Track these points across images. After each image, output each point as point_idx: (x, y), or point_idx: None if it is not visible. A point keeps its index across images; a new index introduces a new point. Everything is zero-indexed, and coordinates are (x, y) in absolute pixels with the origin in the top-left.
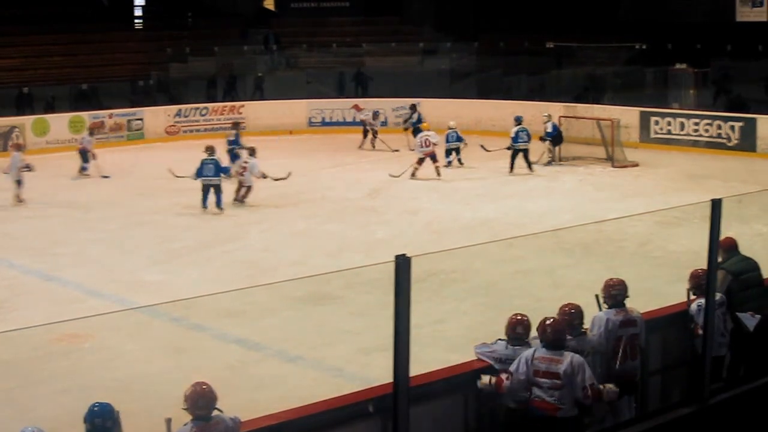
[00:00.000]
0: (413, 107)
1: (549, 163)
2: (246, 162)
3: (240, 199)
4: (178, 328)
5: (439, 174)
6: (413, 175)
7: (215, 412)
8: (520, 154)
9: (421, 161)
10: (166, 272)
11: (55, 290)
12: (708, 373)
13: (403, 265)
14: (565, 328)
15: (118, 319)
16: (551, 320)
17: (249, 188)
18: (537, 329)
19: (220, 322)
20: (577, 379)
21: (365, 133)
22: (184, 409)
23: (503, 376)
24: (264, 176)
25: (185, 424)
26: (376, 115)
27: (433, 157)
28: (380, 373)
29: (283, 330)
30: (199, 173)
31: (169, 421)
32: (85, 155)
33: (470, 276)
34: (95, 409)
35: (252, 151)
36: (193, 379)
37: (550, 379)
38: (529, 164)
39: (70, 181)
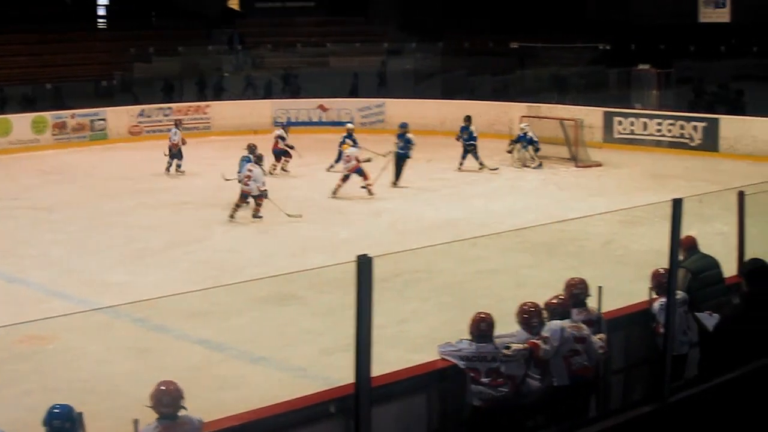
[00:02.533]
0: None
1: (539, 166)
2: (251, 170)
3: (255, 215)
4: (142, 328)
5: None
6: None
7: (182, 412)
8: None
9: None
10: (130, 273)
11: (18, 291)
12: (668, 371)
13: (364, 265)
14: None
15: (82, 320)
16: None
17: (258, 198)
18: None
19: (183, 323)
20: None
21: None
22: (150, 407)
23: (537, 341)
24: (264, 192)
25: (149, 424)
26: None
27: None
28: (344, 373)
29: (247, 330)
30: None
31: (136, 422)
32: (176, 152)
33: (434, 276)
34: (54, 411)
35: (259, 159)
36: (157, 380)
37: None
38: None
39: (37, 180)
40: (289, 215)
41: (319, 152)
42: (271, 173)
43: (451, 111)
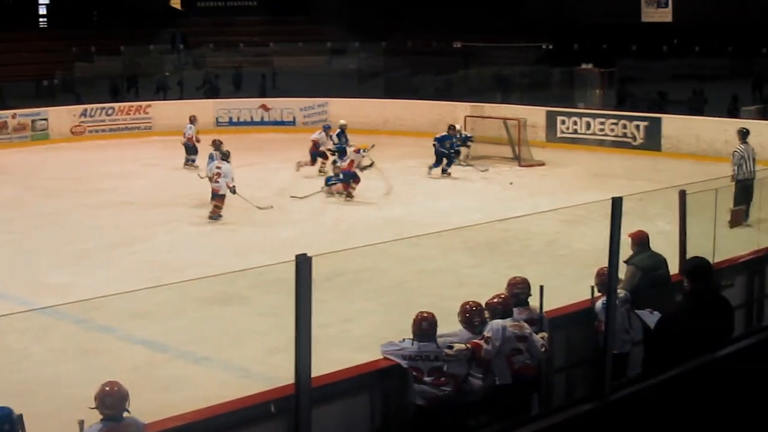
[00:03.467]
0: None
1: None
2: (219, 167)
3: (213, 216)
4: (85, 329)
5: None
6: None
7: (126, 414)
8: None
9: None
10: (72, 274)
11: None
12: (609, 369)
13: (303, 264)
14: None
15: (23, 321)
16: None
17: (222, 198)
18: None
19: (126, 324)
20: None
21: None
22: (94, 408)
23: (479, 341)
24: (233, 189)
25: (93, 425)
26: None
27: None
28: (287, 373)
29: (190, 331)
30: None
31: (81, 423)
32: (191, 148)
33: (377, 275)
34: None
35: (226, 156)
36: (100, 381)
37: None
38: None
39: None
40: (259, 208)
41: (261, 152)
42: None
43: (393, 110)
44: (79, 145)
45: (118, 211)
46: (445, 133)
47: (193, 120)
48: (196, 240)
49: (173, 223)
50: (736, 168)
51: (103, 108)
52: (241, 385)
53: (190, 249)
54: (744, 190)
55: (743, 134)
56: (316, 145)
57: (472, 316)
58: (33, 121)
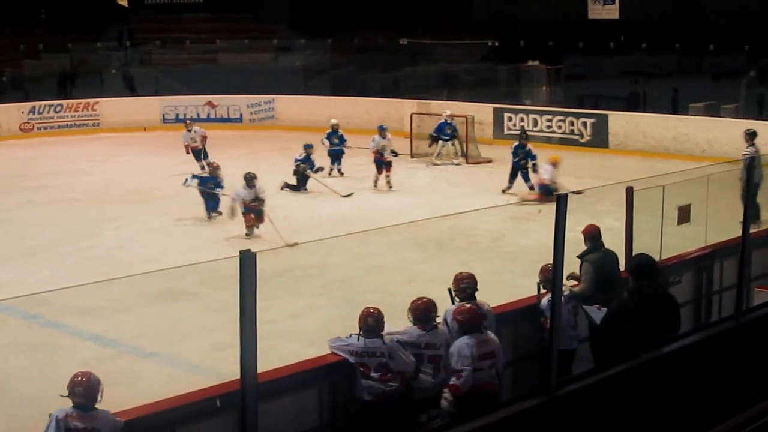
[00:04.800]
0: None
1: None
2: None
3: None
4: (33, 325)
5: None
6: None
7: (98, 405)
8: None
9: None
10: (19, 270)
11: None
12: (555, 365)
13: (247, 260)
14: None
15: None
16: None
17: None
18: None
19: (75, 319)
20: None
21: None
22: (65, 396)
23: (454, 381)
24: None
25: (62, 408)
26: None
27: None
28: (235, 368)
29: (139, 326)
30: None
31: (51, 415)
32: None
33: (326, 271)
34: None
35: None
36: (49, 377)
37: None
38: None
39: None
40: (288, 245)
41: (208, 148)
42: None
43: (340, 107)
44: (27, 142)
45: (65, 208)
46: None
47: (189, 125)
48: (144, 237)
49: (121, 219)
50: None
51: (51, 105)
52: (190, 380)
53: (138, 246)
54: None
55: (751, 135)
56: (378, 152)
57: (422, 313)
58: None
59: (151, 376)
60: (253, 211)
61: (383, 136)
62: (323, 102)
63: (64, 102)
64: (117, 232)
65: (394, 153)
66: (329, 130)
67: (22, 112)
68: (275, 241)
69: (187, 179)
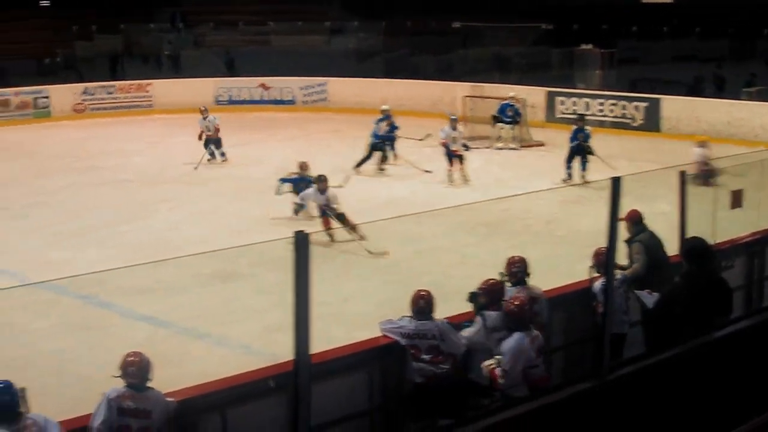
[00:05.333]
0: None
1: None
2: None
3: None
4: (88, 305)
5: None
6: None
7: (150, 384)
8: None
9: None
10: (72, 250)
11: None
12: (607, 349)
13: (301, 241)
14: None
15: (26, 297)
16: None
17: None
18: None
19: (127, 300)
20: None
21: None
22: (117, 377)
23: (497, 371)
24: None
25: (116, 386)
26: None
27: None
28: (286, 350)
29: (191, 307)
30: None
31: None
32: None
33: (377, 254)
34: None
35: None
36: (102, 356)
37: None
38: None
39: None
40: (370, 252)
41: (261, 130)
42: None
43: (393, 90)
44: (80, 122)
45: (118, 189)
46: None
47: (204, 111)
48: (196, 218)
49: (173, 201)
50: None
51: (103, 86)
52: (242, 362)
53: (190, 227)
54: None
55: None
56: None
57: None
58: (35, 99)
59: (202, 356)
60: (333, 215)
61: (453, 128)
62: (375, 84)
63: (117, 83)
64: (169, 214)
65: (465, 146)
66: (380, 116)
67: (75, 94)
68: (318, 225)
69: (278, 187)
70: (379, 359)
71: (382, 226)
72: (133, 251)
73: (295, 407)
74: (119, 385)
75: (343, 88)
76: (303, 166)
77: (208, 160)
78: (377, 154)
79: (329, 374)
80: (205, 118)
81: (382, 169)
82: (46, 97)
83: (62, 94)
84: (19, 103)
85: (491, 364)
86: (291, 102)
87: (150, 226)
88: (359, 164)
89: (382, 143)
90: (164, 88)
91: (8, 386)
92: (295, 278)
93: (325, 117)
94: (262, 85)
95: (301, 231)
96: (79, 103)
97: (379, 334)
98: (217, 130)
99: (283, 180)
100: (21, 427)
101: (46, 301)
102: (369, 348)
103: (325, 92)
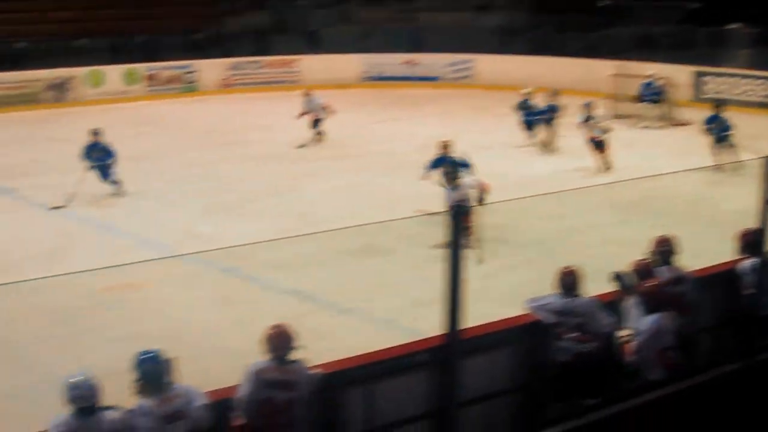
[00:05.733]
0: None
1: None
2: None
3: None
4: (229, 278)
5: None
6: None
7: (294, 356)
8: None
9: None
10: (218, 224)
11: (108, 240)
12: (756, 330)
13: (456, 215)
14: None
15: (169, 269)
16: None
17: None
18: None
19: (271, 273)
20: None
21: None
22: (263, 351)
23: (631, 344)
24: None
25: (259, 361)
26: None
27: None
28: (431, 325)
29: (336, 281)
30: None
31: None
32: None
33: (519, 232)
34: (144, 356)
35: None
36: (245, 329)
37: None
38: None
39: (128, 131)
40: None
41: (406, 106)
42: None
43: (538, 67)
44: (228, 97)
45: (264, 163)
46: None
47: (308, 94)
48: (342, 192)
49: (319, 175)
50: None
51: (251, 61)
52: (387, 336)
53: (335, 201)
54: None
55: None
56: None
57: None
58: (183, 74)
59: (347, 331)
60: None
61: (589, 114)
62: (521, 62)
63: (264, 59)
64: (315, 187)
65: (603, 130)
66: (520, 99)
67: (223, 68)
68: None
69: (425, 169)
70: (524, 337)
71: (523, 204)
72: (278, 225)
73: (442, 383)
74: (263, 358)
75: (488, 65)
76: (444, 145)
77: (316, 138)
78: (539, 130)
79: (475, 351)
80: (309, 99)
81: (541, 146)
82: (195, 72)
83: (210, 69)
84: (169, 77)
85: (626, 338)
86: (436, 78)
87: (295, 201)
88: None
89: (539, 119)
90: (310, 64)
91: (156, 356)
92: (450, 251)
93: (471, 94)
94: (408, 62)
95: (457, 205)
96: (226, 78)
97: (522, 311)
98: (323, 108)
99: (434, 163)
100: (168, 396)
101: (189, 273)
102: (514, 326)
103: (471, 69)
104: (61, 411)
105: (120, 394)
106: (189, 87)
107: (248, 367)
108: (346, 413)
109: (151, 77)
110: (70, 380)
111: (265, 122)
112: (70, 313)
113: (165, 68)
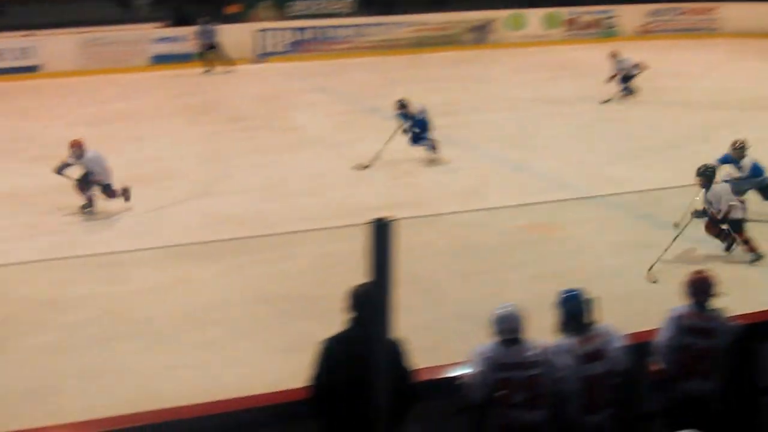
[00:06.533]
0: None
1: None
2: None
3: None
4: (644, 224)
5: None
6: None
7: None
8: None
9: None
10: (630, 169)
11: (523, 181)
12: None
13: None
14: None
15: (584, 213)
16: None
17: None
18: None
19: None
20: None
21: None
22: (683, 296)
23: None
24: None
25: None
26: None
27: None
28: None
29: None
30: None
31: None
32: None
33: None
34: (568, 294)
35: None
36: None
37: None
38: None
39: (547, 75)
40: None
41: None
42: None
43: None
44: (644, 44)
45: (680, 111)
46: None
47: (616, 53)
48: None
49: (733, 126)
50: None
51: (672, 8)
52: None
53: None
54: None
55: None
56: None
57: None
58: (603, 19)
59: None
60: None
61: None
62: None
63: (684, 5)
64: (728, 140)
65: None
66: None
67: (643, 14)
68: None
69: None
70: None
71: None
72: (688, 174)
73: None
74: (683, 303)
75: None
76: None
77: (622, 95)
78: None
79: None
80: (618, 60)
81: None
82: (614, 17)
83: (630, 14)
84: (588, 21)
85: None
86: None
87: (714, 150)
88: None
89: None
90: (731, 12)
91: (577, 295)
92: None
93: None
94: None
95: None
96: (645, 24)
97: None
98: (635, 66)
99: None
100: (589, 336)
101: (603, 217)
102: None
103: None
104: (477, 344)
105: (539, 331)
106: (608, 32)
107: (669, 311)
108: (763, 366)
109: (570, 21)
110: (498, 312)
111: (682, 70)
112: (488, 249)
113: (585, 13)
